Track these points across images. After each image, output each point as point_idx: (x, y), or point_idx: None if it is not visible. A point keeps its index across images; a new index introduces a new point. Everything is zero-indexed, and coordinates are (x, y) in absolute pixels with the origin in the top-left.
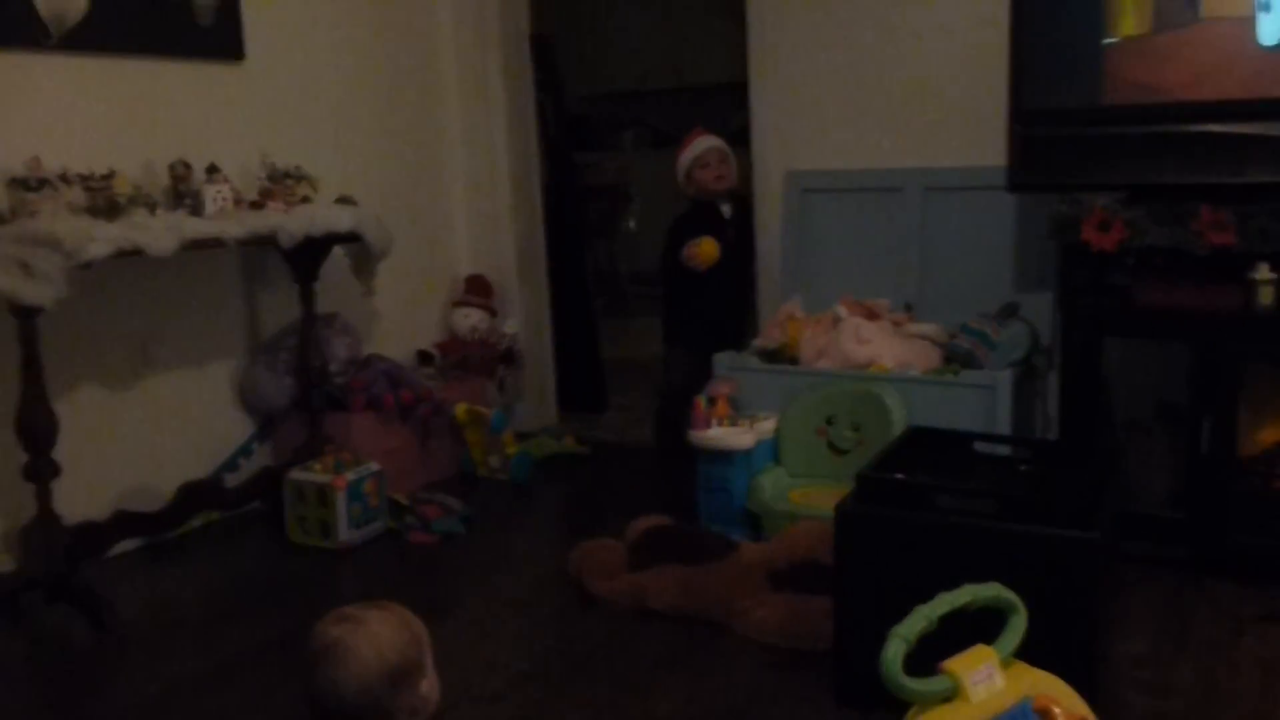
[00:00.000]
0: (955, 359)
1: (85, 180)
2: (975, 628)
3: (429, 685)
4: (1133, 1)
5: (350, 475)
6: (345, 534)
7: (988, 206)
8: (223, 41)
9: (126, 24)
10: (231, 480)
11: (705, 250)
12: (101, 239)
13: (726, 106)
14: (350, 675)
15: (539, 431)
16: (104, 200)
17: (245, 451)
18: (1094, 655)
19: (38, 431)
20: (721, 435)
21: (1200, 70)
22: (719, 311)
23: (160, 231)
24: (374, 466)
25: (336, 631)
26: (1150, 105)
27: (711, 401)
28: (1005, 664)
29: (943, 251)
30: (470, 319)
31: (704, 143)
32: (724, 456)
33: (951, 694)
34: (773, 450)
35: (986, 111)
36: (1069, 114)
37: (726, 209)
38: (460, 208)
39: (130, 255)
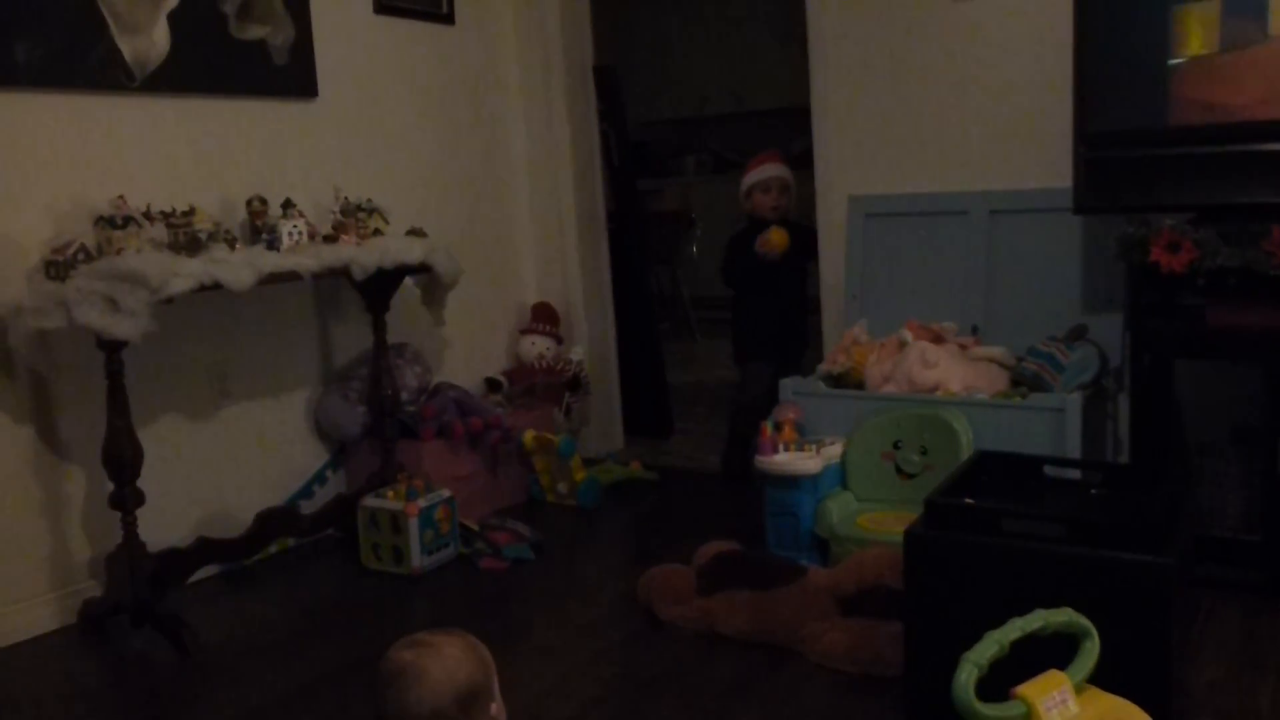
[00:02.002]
0: (1023, 382)
1: (167, 217)
2: (1047, 654)
3: (497, 709)
4: (1199, 21)
5: (422, 502)
6: (418, 560)
7: (1054, 228)
8: (296, 80)
9: (205, 65)
10: (307, 507)
11: (776, 238)
12: (184, 274)
13: (787, 131)
14: (422, 698)
15: (606, 457)
16: (185, 236)
17: (319, 479)
18: (1169, 682)
19: (123, 461)
20: (788, 460)
21: (1269, 89)
22: (779, 326)
23: (239, 266)
24: (445, 493)
25: (408, 656)
26: (1218, 125)
27: (778, 427)
28: (1079, 690)
29: (1009, 274)
30: (537, 346)
31: (770, 170)
32: (791, 482)
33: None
34: (839, 475)
35: (1051, 133)
36: (1135, 135)
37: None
38: (526, 237)
39: (210, 289)
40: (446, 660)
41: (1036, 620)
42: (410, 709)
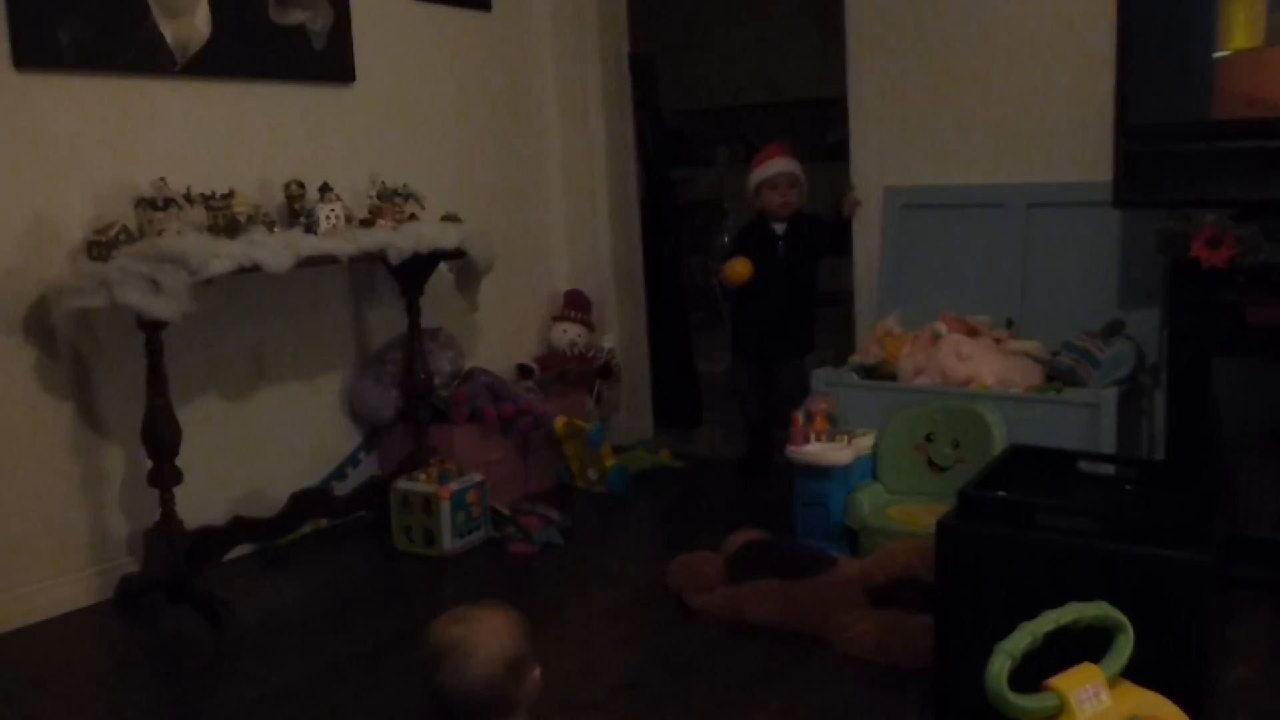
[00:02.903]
0: (1058, 377)
1: (207, 200)
2: (1080, 648)
3: (538, 674)
4: (1245, 13)
5: (455, 485)
6: (449, 543)
7: (1092, 222)
8: (335, 65)
9: (245, 50)
10: (340, 489)
11: (733, 270)
12: (223, 256)
13: (821, 121)
14: (476, 669)
15: (635, 445)
16: (224, 219)
17: (353, 461)
18: (1203, 679)
19: (162, 440)
20: (819, 451)
21: None
22: (772, 321)
23: (277, 249)
24: (477, 477)
25: (457, 630)
26: (1262, 119)
27: (809, 417)
28: (1112, 683)
29: (1045, 268)
30: (569, 334)
31: (777, 165)
32: (821, 472)
33: (1057, 711)
34: (871, 467)
35: (1090, 126)
36: (1177, 128)
37: (780, 226)
38: (560, 224)
39: (248, 272)
40: (493, 631)
41: (1070, 613)
42: (466, 680)
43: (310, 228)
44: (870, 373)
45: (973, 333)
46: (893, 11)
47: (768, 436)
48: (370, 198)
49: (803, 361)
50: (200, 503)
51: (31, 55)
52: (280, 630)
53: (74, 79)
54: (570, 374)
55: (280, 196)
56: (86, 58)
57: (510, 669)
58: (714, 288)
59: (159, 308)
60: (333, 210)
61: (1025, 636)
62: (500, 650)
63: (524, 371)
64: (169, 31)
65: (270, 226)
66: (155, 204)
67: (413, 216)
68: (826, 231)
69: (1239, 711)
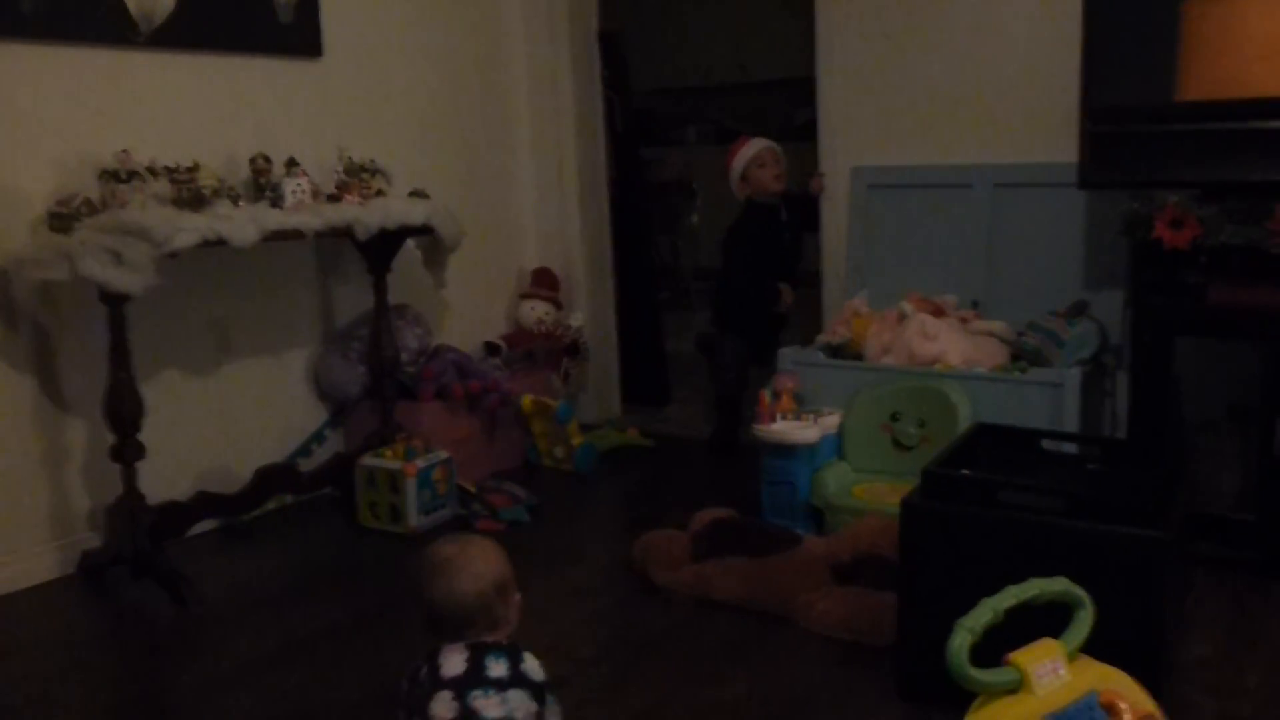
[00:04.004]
0: (1023, 356)
1: (171, 172)
2: (1041, 624)
3: (519, 599)
4: None
5: (420, 462)
6: (415, 519)
7: (1057, 203)
8: (302, 39)
9: (211, 21)
10: (305, 465)
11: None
12: (188, 229)
13: (790, 102)
14: (466, 582)
15: (603, 423)
16: (189, 192)
17: (318, 438)
18: (1161, 656)
19: (125, 414)
20: (785, 429)
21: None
22: (762, 303)
23: (243, 223)
24: (443, 454)
25: (452, 549)
26: (1225, 102)
27: (776, 395)
28: (1071, 658)
29: (1011, 248)
30: (536, 311)
31: (759, 143)
32: (787, 450)
33: (1017, 686)
34: (836, 445)
35: (1057, 107)
36: (1142, 111)
37: (783, 212)
38: (528, 202)
39: (213, 245)
40: (483, 553)
41: (1032, 588)
42: (457, 591)
43: (276, 202)
44: (837, 352)
45: (939, 312)
46: None
47: (736, 414)
48: (337, 173)
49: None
50: (164, 478)
51: None
52: (244, 606)
53: (36, 48)
54: (538, 352)
55: (246, 170)
56: (49, 27)
57: (496, 588)
58: (682, 267)
59: (122, 280)
60: (299, 185)
61: (986, 612)
62: (488, 570)
63: (491, 349)
64: (133, 1)
65: (235, 200)
66: (119, 176)
67: (380, 192)
68: (804, 207)
69: (1197, 687)
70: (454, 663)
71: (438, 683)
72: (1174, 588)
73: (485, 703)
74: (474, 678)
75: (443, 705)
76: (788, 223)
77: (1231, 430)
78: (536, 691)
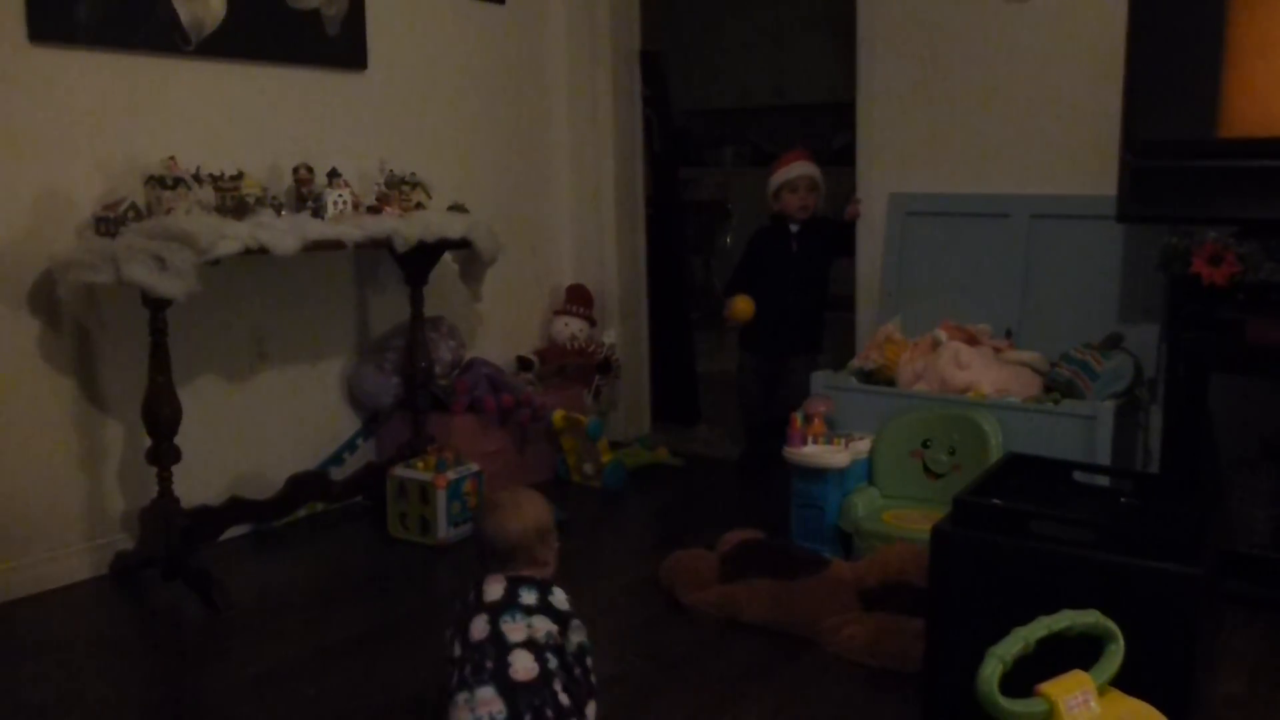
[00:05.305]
0: (1056, 388)
1: (216, 180)
2: (1071, 655)
3: (559, 545)
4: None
5: (451, 474)
6: (443, 530)
7: (1094, 236)
8: (347, 51)
9: (259, 32)
10: (337, 474)
11: (736, 309)
12: (231, 236)
13: (827, 126)
14: (514, 519)
15: (632, 441)
16: (232, 200)
17: (351, 447)
18: (1190, 692)
19: (162, 418)
20: (816, 453)
21: None
22: (783, 317)
23: (285, 232)
24: (474, 467)
25: (504, 495)
26: (1267, 139)
27: (807, 419)
28: (1101, 691)
29: (1047, 279)
30: (570, 328)
31: (799, 169)
32: (818, 474)
33: (1046, 717)
34: (867, 470)
35: (1097, 140)
36: (1183, 145)
37: (795, 226)
38: (565, 218)
39: (254, 253)
40: (531, 501)
41: (1063, 620)
42: (504, 528)
43: (317, 212)
44: (869, 377)
45: (973, 341)
46: (904, 19)
47: (760, 435)
48: (378, 185)
49: (815, 358)
50: (198, 482)
51: (47, 29)
52: (273, 612)
53: (88, 54)
54: (570, 368)
55: (289, 180)
56: (101, 34)
57: (538, 531)
58: (715, 288)
59: (165, 286)
60: (340, 196)
61: (1018, 642)
62: (533, 514)
63: (524, 364)
64: (184, 11)
65: (278, 210)
66: (164, 182)
67: (419, 205)
68: (835, 231)
69: None
70: (494, 590)
71: (479, 606)
72: (1205, 624)
73: (512, 627)
74: (507, 604)
75: (478, 626)
76: (797, 237)
77: (1266, 468)
78: (560, 618)
